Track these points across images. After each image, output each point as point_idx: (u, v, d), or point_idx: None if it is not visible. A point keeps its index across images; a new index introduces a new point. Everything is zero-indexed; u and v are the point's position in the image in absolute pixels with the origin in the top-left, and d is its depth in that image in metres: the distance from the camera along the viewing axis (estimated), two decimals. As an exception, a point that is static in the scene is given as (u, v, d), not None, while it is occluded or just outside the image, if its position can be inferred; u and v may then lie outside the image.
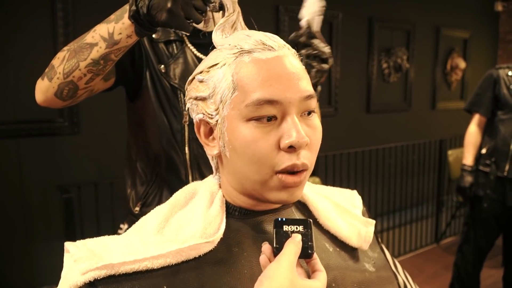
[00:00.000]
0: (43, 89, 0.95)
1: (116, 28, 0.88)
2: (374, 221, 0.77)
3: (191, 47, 1.14)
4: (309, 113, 0.62)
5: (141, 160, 1.19)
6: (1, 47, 2.34)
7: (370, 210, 3.73)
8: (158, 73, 1.11)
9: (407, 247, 3.68)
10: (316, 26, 0.98)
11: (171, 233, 0.62)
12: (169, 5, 0.77)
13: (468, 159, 2.42)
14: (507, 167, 2.26)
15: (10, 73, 2.37)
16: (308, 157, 0.60)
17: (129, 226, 1.17)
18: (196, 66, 1.10)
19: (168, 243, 0.60)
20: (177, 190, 1.14)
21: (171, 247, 0.59)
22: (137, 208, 1.18)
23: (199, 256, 0.60)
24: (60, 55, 0.93)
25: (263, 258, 0.56)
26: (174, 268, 0.59)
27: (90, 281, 0.56)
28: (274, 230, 0.57)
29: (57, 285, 0.58)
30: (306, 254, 0.56)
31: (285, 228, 0.57)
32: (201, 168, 1.13)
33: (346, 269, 0.69)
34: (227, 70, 0.61)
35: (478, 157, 2.41)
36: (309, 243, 0.57)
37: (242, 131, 0.59)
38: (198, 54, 1.13)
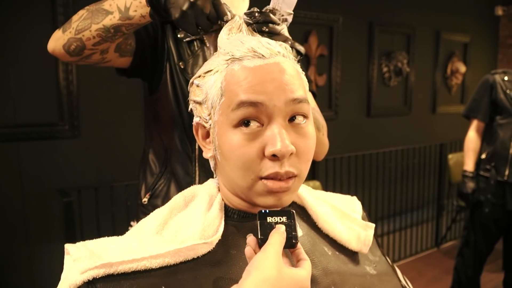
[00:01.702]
0: (55, 37, 0.99)
1: (133, 4, 0.89)
2: (373, 225, 0.77)
3: (211, 48, 1.18)
4: (304, 120, 0.62)
5: (152, 152, 1.23)
6: (2, 51, 2.34)
7: (371, 214, 3.73)
8: (178, 69, 1.15)
9: (408, 251, 3.67)
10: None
11: (170, 234, 0.63)
12: (184, 7, 0.76)
13: (469, 165, 2.42)
14: (507, 172, 2.26)
15: (11, 77, 2.37)
16: (295, 165, 0.60)
17: (138, 219, 1.19)
18: None
19: (166, 243, 0.60)
20: (183, 184, 1.16)
21: (169, 247, 0.59)
22: (145, 199, 1.21)
23: (198, 257, 0.61)
24: (80, 12, 0.97)
25: (248, 250, 0.57)
26: (173, 268, 0.59)
27: (89, 280, 0.56)
28: (258, 222, 0.58)
29: (57, 289, 0.59)
30: (290, 244, 0.57)
31: (269, 219, 0.58)
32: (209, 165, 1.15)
33: (345, 272, 0.69)
34: (218, 77, 0.62)
35: (478, 162, 2.42)
36: (293, 233, 0.58)
37: (229, 137, 0.60)
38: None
